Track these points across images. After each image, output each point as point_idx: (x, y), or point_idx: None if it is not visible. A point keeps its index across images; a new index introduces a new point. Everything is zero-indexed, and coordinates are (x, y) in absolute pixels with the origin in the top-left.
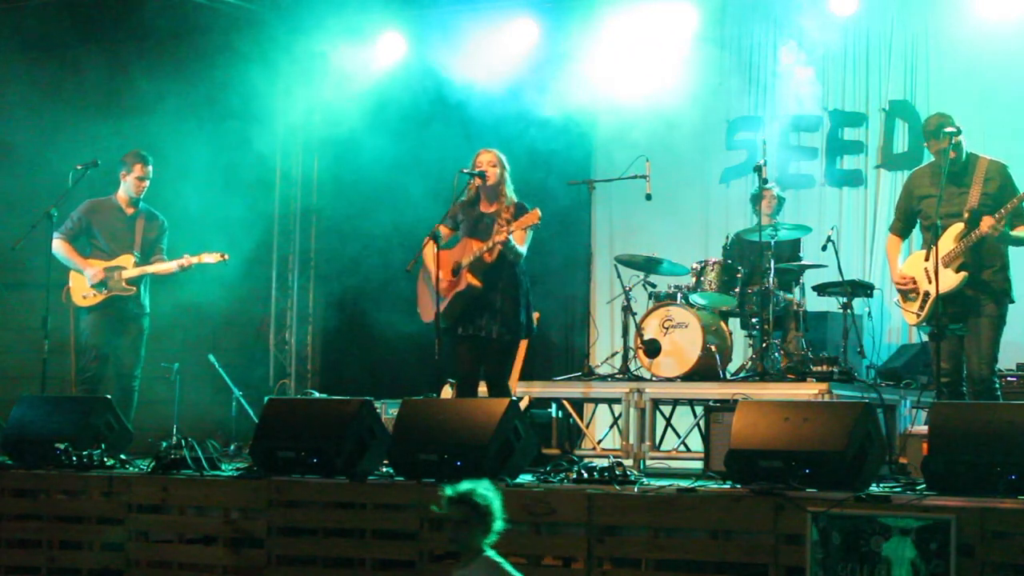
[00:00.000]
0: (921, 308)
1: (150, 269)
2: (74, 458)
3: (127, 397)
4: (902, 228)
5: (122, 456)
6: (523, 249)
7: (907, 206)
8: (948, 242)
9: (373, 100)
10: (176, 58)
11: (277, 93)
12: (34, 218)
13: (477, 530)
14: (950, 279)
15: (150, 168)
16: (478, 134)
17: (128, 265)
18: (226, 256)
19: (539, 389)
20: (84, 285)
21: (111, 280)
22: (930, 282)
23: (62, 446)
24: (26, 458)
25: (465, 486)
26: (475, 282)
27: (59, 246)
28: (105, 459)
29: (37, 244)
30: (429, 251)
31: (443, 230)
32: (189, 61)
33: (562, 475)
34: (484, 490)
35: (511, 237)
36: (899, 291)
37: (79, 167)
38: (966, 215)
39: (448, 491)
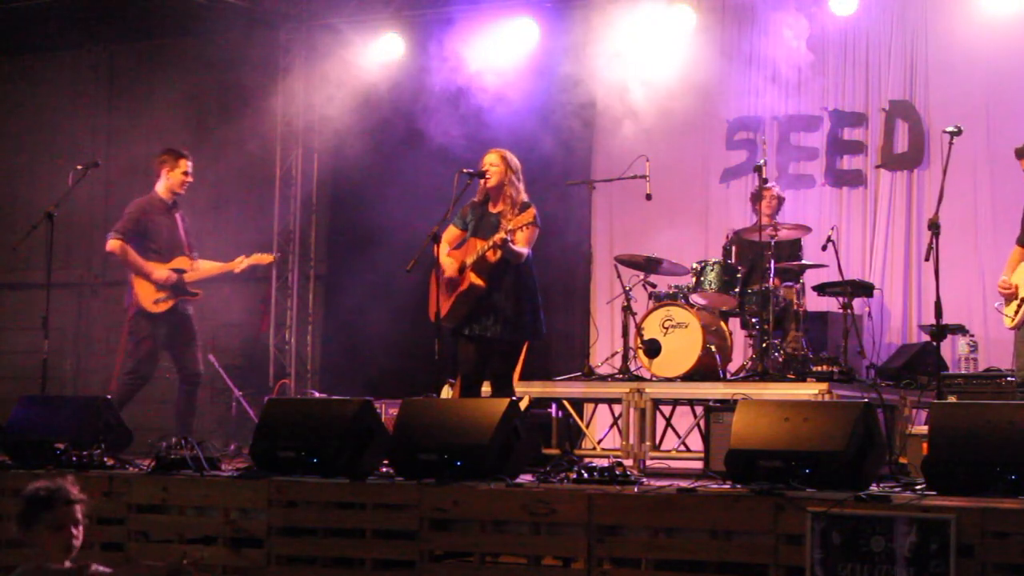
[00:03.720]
0: (1015, 313)
1: (215, 270)
2: (74, 458)
3: (192, 398)
4: (1022, 237)
5: (122, 456)
6: (523, 249)
7: (1022, 217)
8: None
9: (373, 100)
10: (175, 58)
11: (277, 93)
12: (34, 218)
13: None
14: None
15: (191, 163)
16: (478, 134)
17: (185, 266)
18: (274, 257)
19: (539, 389)
20: (152, 290)
21: (179, 283)
22: None
23: (62, 446)
24: (26, 458)
25: (54, 485)
26: (478, 282)
27: (119, 247)
28: (105, 459)
29: (37, 244)
30: (442, 250)
31: (453, 230)
32: (188, 61)
33: (562, 475)
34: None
35: (508, 237)
36: (1002, 295)
37: (79, 167)
38: None
39: (44, 493)
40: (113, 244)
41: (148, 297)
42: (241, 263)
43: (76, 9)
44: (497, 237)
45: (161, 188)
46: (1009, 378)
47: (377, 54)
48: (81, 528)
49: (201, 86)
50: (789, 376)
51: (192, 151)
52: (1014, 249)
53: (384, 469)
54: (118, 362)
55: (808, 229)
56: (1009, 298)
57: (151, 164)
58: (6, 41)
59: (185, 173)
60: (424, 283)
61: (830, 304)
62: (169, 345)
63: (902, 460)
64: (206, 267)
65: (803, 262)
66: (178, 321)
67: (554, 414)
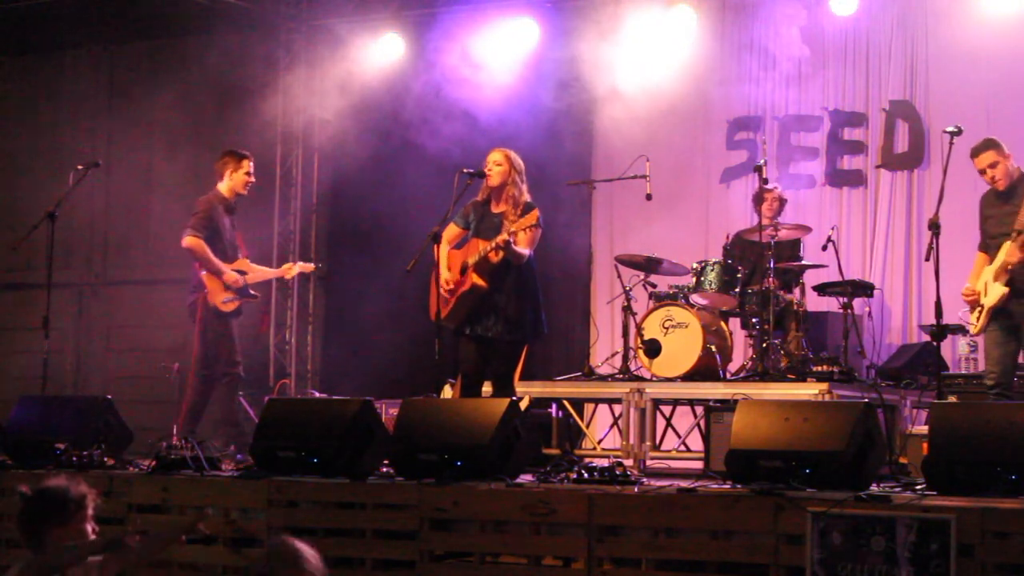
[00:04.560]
0: (978, 319)
1: (268, 275)
2: (74, 458)
3: (234, 387)
4: (984, 245)
5: (122, 456)
6: (525, 250)
7: (980, 224)
8: (1000, 257)
9: (373, 100)
10: (175, 58)
11: (277, 93)
12: (34, 218)
13: None
14: (996, 292)
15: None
16: (478, 134)
17: (247, 269)
18: (316, 267)
19: (539, 389)
20: (221, 288)
21: (244, 286)
22: (986, 295)
23: (62, 446)
24: (26, 458)
25: (64, 483)
26: (480, 282)
27: (197, 244)
28: (105, 459)
29: (37, 244)
30: (442, 250)
31: (454, 229)
32: (188, 61)
33: (562, 475)
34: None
35: (511, 239)
36: (967, 302)
37: (79, 167)
38: (1014, 234)
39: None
40: (191, 241)
41: (218, 295)
42: (291, 270)
43: (76, 9)
44: (500, 239)
45: (224, 188)
46: None
47: (377, 54)
48: (93, 525)
49: (201, 86)
50: (789, 376)
51: (191, 151)
52: (977, 255)
53: (384, 469)
54: (193, 358)
55: (808, 229)
56: (973, 305)
57: (213, 166)
58: (6, 41)
59: (248, 173)
60: (425, 283)
61: (830, 304)
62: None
63: (902, 460)
64: (259, 271)
65: (803, 262)
66: (236, 318)
67: (554, 414)
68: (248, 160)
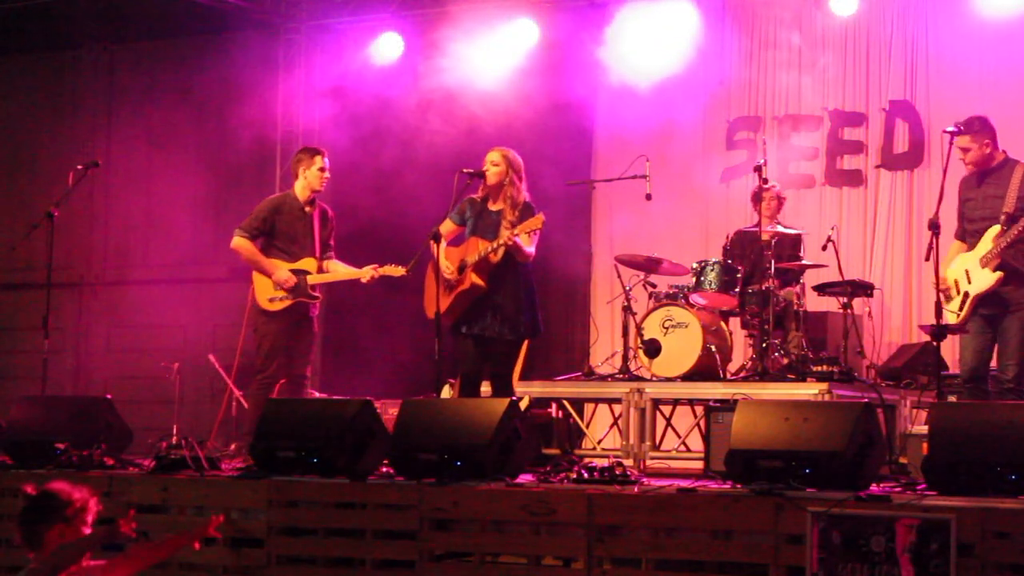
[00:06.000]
0: (960, 308)
1: (345, 275)
2: (74, 458)
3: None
4: (961, 232)
5: (122, 456)
6: (531, 249)
7: (959, 210)
8: (987, 243)
9: (372, 100)
10: (175, 58)
11: (277, 93)
12: (34, 218)
13: None
14: (987, 279)
15: (327, 159)
16: (478, 134)
17: (312, 269)
18: (406, 270)
19: (539, 389)
20: (269, 288)
21: (300, 286)
22: (970, 282)
23: (62, 446)
24: (26, 458)
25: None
26: (479, 282)
27: (244, 246)
28: (105, 459)
29: (37, 244)
30: (441, 248)
31: (450, 225)
32: (188, 61)
33: (562, 475)
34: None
35: (516, 240)
36: (940, 293)
37: (79, 167)
38: (1002, 218)
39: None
40: (237, 242)
41: (264, 294)
42: (367, 273)
43: (76, 9)
44: (507, 238)
45: (299, 188)
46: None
47: (376, 54)
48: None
49: (201, 86)
50: (789, 376)
51: (191, 151)
52: (952, 244)
53: (384, 469)
54: (238, 354)
55: (802, 231)
56: (947, 294)
57: (289, 167)
58: (6, 41)
59: (321, 169)
60: (424, 282)
61: (830, 304)
62: (291, 345)
63: (902, 460)
64: (338, 271)
65: (803, 262)
66: (296, 321)
67: (554, 414)
68: (321, 155)
